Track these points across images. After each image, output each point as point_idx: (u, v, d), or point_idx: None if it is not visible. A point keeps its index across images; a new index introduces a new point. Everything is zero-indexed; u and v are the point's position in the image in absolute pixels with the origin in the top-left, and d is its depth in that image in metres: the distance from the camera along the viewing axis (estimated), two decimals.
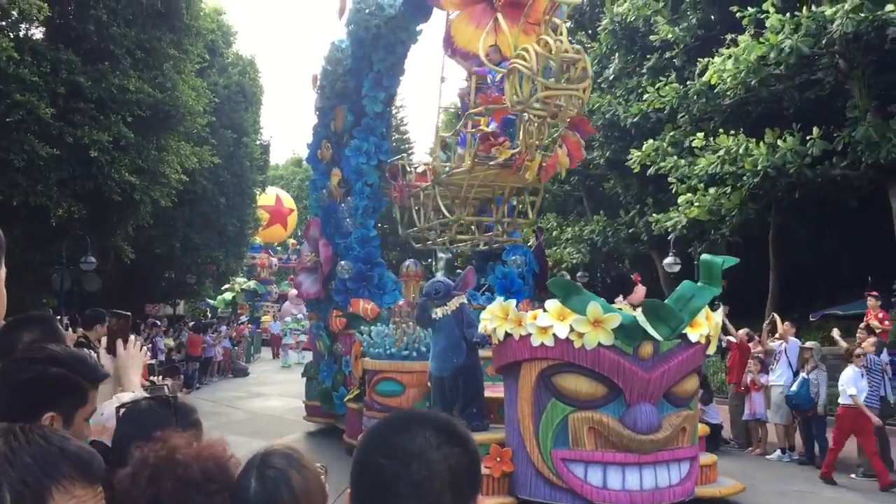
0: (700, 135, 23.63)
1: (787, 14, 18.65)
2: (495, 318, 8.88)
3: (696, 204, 24.05)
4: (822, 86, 21.76)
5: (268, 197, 37.90)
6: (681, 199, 24.45)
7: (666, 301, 8.45)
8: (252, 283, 36.02)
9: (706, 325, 8.48)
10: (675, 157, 24.17)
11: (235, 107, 28.45)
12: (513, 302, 8.84)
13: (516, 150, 10.42)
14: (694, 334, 8.36)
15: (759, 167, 22.26)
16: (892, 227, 23.09)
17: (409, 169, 13.52)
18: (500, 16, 10.50)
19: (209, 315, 34.77)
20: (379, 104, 13.68)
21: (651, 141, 23.92)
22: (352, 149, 13.75)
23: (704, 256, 8.50)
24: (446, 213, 12.12)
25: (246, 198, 29.98)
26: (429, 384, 10.45)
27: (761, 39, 18.91)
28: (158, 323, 24.64)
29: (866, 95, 21.45)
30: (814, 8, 19.01)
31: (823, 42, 18.85)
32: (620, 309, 8.43)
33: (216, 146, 25.52)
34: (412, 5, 12.65)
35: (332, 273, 13.51)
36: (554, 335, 8.38)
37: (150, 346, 18.88)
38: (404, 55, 13.77)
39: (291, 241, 40.60)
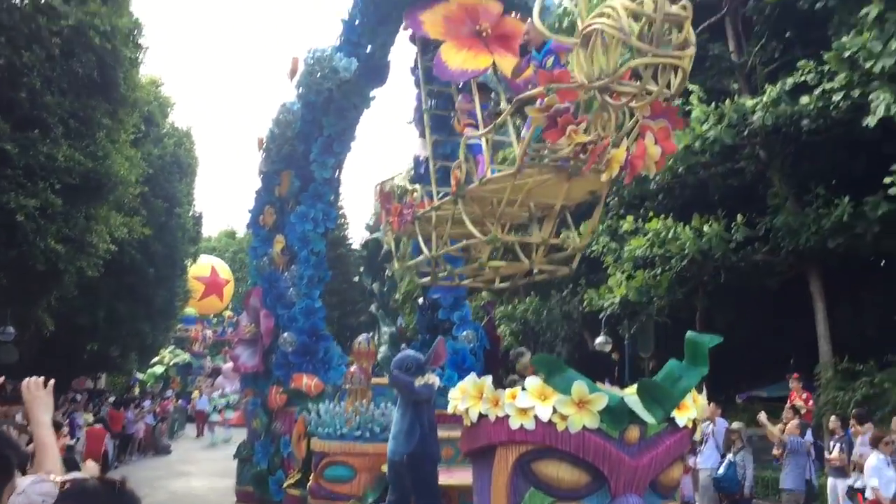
0: (630, 218, 23.46)
1: (712, 105, 18.85)
2: (468, 396, 7.70)
3: (628, 285, 23.99)
4: (745, 174, 21.82)
5: (203, 267, 36.19)
6: (612, 281, 24.33)
7: (655, 380, 7.40)
8: (185, 357, 33.98)
9: (693, 407, 7.45)
10: (608, 240, 23.87)
11: (169, 177, 27.31)
12: (488, 379, 7.65)
13: (594, 138, 7.07)
14: (682, 418, 7.34)
15: (686, 251, 22.31)
16: (812, 310, 23.03)
17: (409, 188, 10.27)
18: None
19: (138, 390, 32.65)
20: (328, 170, 12.60)
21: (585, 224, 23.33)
22: (297, 215, 12.59)
23: (690, 334, 7.49)
24: (476, 233, 8.65)
25: (176, 269, 28.53)
26: (384, 469, 9.17)
27: (686, 130, 18.77)
28: (78, 398, 22.68)
29: (785, 184, 21.79)
30: (736, 99, 19.32)
31: (745, 133, 19.12)
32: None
33: (148, 216, 24.22)
34: (368, 69, 11.70)
35: (274, 346, 12.16)
36: (535, 417, 7.21)
37: (67, 421, 17.07)
38: (356, 120, 12.77)
39: (227, 312, 38.71)
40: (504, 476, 7.43)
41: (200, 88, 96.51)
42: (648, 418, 6.94)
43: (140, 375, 34.11)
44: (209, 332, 35.74)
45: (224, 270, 37.80)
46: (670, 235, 20.85)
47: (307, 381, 11.62)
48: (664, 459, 7.47)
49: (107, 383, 31.50)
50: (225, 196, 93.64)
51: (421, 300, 13.98)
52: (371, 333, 13.78)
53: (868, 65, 15.74)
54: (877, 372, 20.72)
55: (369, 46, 11.75)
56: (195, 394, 29.15)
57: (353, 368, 10.06)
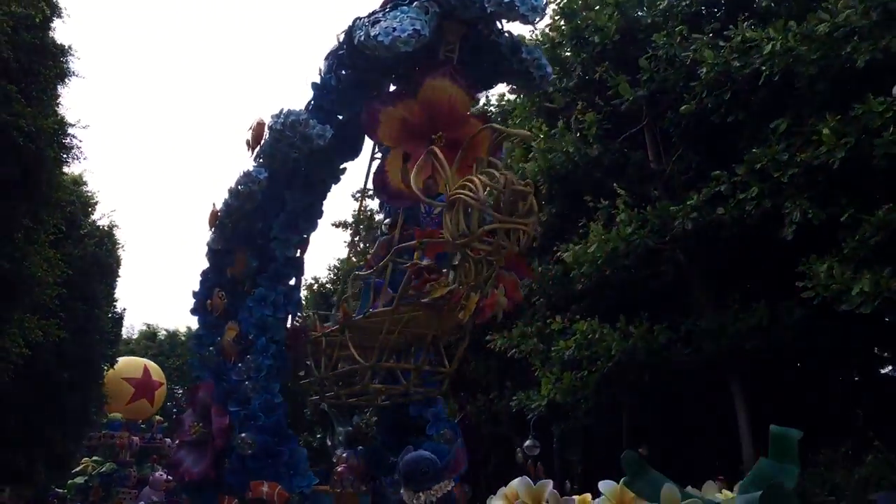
0: (558, 318, 22.42)
1: (635, 210, 18.44)
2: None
3: (556, 386, 22.80)
4: (666, 277, 21.23)
5: (133, 367, 32.50)
6: (543, 382, 23.06)
7: (743, 484, 5.48)
8: (110, 465, 29.94)
9: None
10: (536, 341, 22.62)
11: (89, 279, 24.43)
12: (549, 484, 5.61)
13: (452, 288, 8.17)
14: None
15: (612, 352, 21.47)
16: (735, 412, 22.25)
17: (301, 315, 10.98)
18: (437, 151, 7.91)
19: None
20: (291, 248, 10.58)
21: (518, 324, 22.40)
22: (255, 299, 10.44)
23: (776, 428, 5.61)
24: (359, 359, 9.25)
25: (93, 373, 25.34)
26: None
27: (611, 234, 18.39)
28: None
29: (704, 288, 21.35)
30: (657, 205, 18.92)
31: (667, 238, 18.64)
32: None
33: (65, 318, 21.33)
34: (341, 139, 9.84)
35: (227, 448, 9.74)
36: None
37: None
38: (324, 195, 10.85)
39: (157, 417, 34.78)
40: None
41: (129, 177, 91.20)
42: None
43: (60, 490, 29.99)
44: (136, 439, 31.69)
45: (157, 372, 33.98)
46: (597, 336, 19.83)
47: (267, 490, 9.22)
48: None
49: (11, 496, 27.44)
50: (148, 294, 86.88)
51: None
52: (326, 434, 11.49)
53: (777, 174, 15.63)
54: (801, 472, 19.72)
55: (342, 114, 9.91)
56: None
57: (340, 468, 7.86)
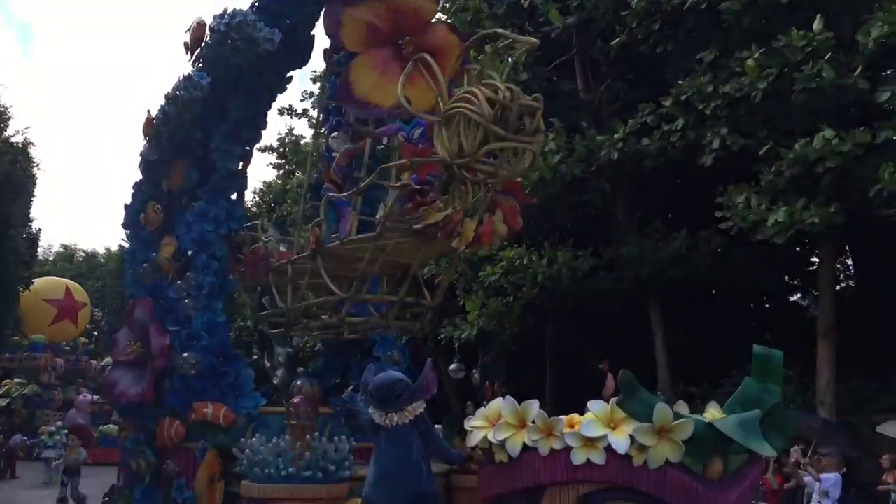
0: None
1: (564, 138, 18.70)
2: (504, 425, 5.48)
3: (482, 313, 23.03)
4: (592, 206, 21.51)
5: (54, 288, 31.02)
6: (469, 308, 23.22)
7: (730, 404, 5.47)
8: (33, 388, 28.68)
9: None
10: (463, 266, 22.65)
11: (2, 198, 23.17)
12: (535, 404, 5.47)
13: (448, 213, 7.09)
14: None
15: (537, 279, 21.77)
16: (652, 337, 22.95)
17: (264, 238, 9.61)
18: (429, 59, 7.19)
19: None
20: (234, 160, 9.97)
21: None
22: (195, 213, 9.87)
23: (759, 349, 5.69)
24: (335, 290, 8.16)
25: (7, 295, 24.12)
26: None
27: (538, 163, 18.49)
28: None
29: (628, 217, 21.48)
30: (586, 134, 19.22)
31: (593, 168, 18.97)
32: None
33: None
34: (288, 45, 9.26)
35: (168, 369, 9.28)
36: (606, 450, 5.11)
37: None
38: (269, 105, 10.25)
39: (83, 339, 33.36)
40: None
41: (46, 89, 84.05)
42: (767, 450, 5.00)
43: None
44: (60, 361, 30.35)
45: (79, 292, 32.44)
46: (523, 263, 20.27)
47: (212, 411, 8.85)
48: (748, 497, 5.60)
49: None
50: (69, 213, 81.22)
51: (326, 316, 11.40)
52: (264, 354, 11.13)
53: (701, 106, 15.80)
54: (711, 394, 20.79)
55: (291, 18, 9.30)
56: (44, 429, 24.34)
57: (296, 399, 7.53)
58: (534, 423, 5.44)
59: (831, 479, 10.08)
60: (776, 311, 25.57)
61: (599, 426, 5.25)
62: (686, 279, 21.08)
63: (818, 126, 14.67)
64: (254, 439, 7.51)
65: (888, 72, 14.57)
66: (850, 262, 24.70)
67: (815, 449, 11.00)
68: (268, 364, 11.10)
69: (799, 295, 25.13)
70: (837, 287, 22.69)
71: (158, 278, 10.10)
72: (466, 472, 8.26)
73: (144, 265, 10.28)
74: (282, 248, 9.48)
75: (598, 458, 5.21)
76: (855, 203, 14.90)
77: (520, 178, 7.62)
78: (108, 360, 21.13)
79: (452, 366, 23.45)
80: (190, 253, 9.97)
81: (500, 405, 5.74)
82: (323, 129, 10.16)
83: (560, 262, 22.03)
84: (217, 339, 9.38)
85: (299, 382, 8.23)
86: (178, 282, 9.82)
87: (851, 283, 24.95)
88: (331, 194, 8.47)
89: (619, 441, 5.17)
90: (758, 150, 15.75)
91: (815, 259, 22.39)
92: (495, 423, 5.66)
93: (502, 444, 5.54)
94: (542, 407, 5.84)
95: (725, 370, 21.38)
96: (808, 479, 10.25)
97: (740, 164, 16.95)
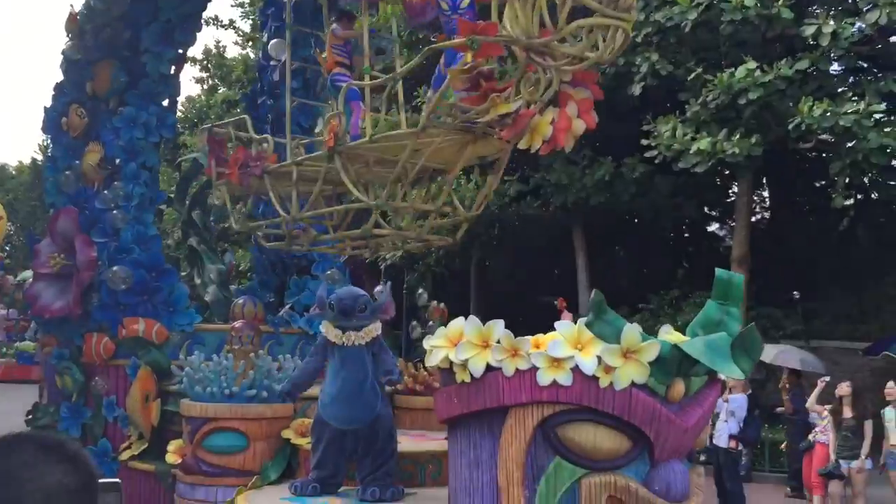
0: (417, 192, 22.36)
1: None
2: (467, 345, 5.34)
3: None
4: None
5: None
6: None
7: (692, 327, 5.47)
8: None
9: None
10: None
11: None
12: (498, 323, 5.34)
13: (520, 105, 5.90)
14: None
15: (464, 203, 21.68)
16: (575, 262, 23.42)
17: (254, 136, 8.05)
18: None
19: None
20: (166, 64, 9.37)
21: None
22: (123, 119, 9.30)
23: (721, 272, 5.65)
24: (362, 197, 6.86)
25: None
26: (285, 435, 6.65)
27: None
28: None
29: None
30: None
31: None
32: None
33: None
34: None
35: (95, 283, 8.83)
36: (573, 370, 5.04)
37: None
38: (203, 5, 9.65)
39: None
40: (519, 445, 5.26)
41: None
42: (735, 373, 5.02)
43: None
44: None
45: None
46: (452, 187, 19.97)
47: (144, 328, 8.48)
48: (706, 419, 5.67)
49: None
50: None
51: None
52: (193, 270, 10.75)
53: (633, 34, 16.02)
54: (630, 318, 21.36)
55: None
56: None
57: (238, 323, 7.23)
58: (499, 342, 5.30)
59: (738, 399, 10.47)
60: (694, 241, 26.28)
61: (567, 347, 5.15)
62: (610, 206, 21.54)
63: (744, 58, 14.88)
64: (193, 357, 7.20)
65: (814, 7, 14.84)
66: (766, 194, 25.45)
67: None
68: (198, 281, 10.71)
69: (717, 225, 25.81)
70: (753, 219, 23.45)
71: (82, 187, 9.51)
72: (409, 393, 8.19)
73: (67, 173, 9.66)
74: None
75: (564, 378, 5.12)
76: (775, 135, 15.28)
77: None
78: (25, 274, 20.22)
79: (377, 287, 23.27)
80: (118, 161, 9.39)
81: (461, 324, 5.58)
82: (262, 35, 9.63)
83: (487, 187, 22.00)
84: (148, 252, 8.92)
85: (241, 301, 7.87)
86: (105, 191, 9.27)
87: (766, 215, 25.73)
88: (351, 81, 7.06)
89: (587, 362, 5.09)
90: (685, 79, 15.92)
91: (733, 190, 23.01)
92: (457, 342, 5.51)
93: (465, 363, 5.40)
94: None
95: (644, 295, 22.06)
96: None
97: (667, 95, 17.10)
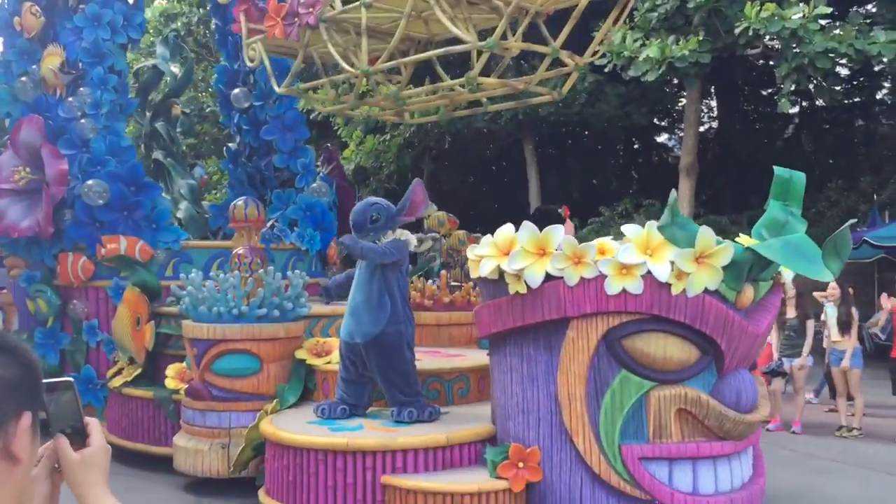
0: (364, 81, 21.46)
1: None
2: (521, 253, 4.86)
3: (360, 149, 22.45)
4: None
5: None
6: (348, 138, 22.63)
7: (757, 229, 5.07)
8: None
9: None
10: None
11: None
12: (559, 229, 4.86)
13: None
14: (787, 274, 5.14)
15: (415, 116, 21.15)
16: (526, 175, 23.19)
17: None
18: None
19: None
20: None
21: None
22: (85, 18, 8.35)
23: (781, 170, 5.23)
24: (464, 37, 5.85)
25: None
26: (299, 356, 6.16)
27: None
28: None
29: None
30: None
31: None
32: None
33: None
34: None
35: (68, 198, 8.00)
36: (644, 277, 4.63)
37: None
38: None
39: None
40: (582, 358, 4.87)
41: None
42: (825, 275, 4.65)
43: None
44: None
45: None
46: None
47: (126, 246, 7.75)
48: (771, 327, 5.37)
49: None
50: None
51: (234, 144, 10.24)
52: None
53: None
54: (580, 229, 21.68)
55: None
56: None
57: (242, 249, 6.57)
58: (560, 249, 4.83)
59: None
60: (644, 151, 26.14)
61: (638, 252, 4.71)
62: (560, 117, 21.19)
63: None
64: (193, 275, 6.54)
65: None
66: (714, 104, 25.32)
67: None
68: (167, 197, 9.91)
69: (666, 136, 25.67)
70: (701, 128, 23.35)
71: (42, 95, 8.55)
72: (417, 309, 7.70)
73: (23, 79, 8.65)
74: None
75: (634, 286, 4.70)
76: (723, 42, 15.11)
77: None
78: None
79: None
80: (81, 65, 8.44)
81: (511, 231, 5.08)
82: None
83: (437, 97, 21.59)
84: (129, 165, 8.10)
85: (241, 202, 7.11)
86: (70, 99, 8.34)
87: (714, 124, 25.67)
88: None
89: (660, 268, 4.67)
90: None
91: (682, 101, 22.83)
92: (507, 251, 5.01)
93: (519, 273, 4.92)
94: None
95: (595, 206, 21.95)
96: None
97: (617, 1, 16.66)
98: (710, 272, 4.71)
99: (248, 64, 7.22)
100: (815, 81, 17.32)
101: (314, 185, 9.17)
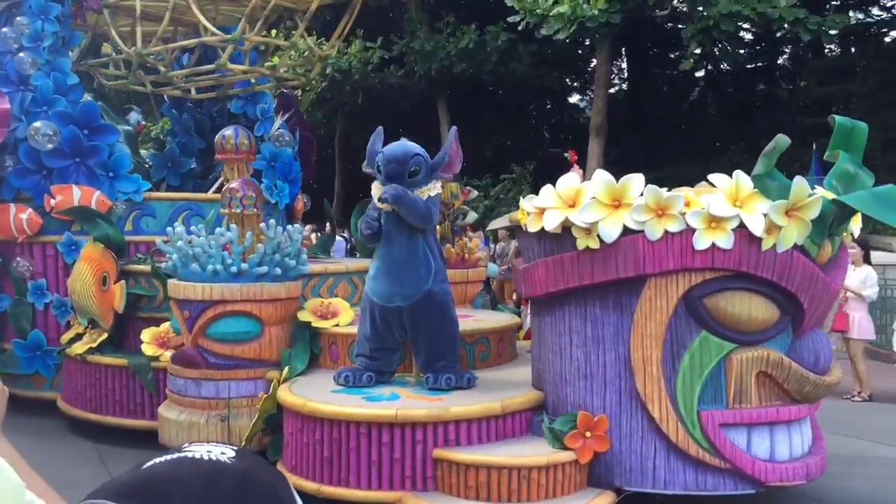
0: (274, 32, 20.69)
1: None
2: (594, 204, 4.30)
3: None
4: None
5: None
6: None
7: (828, 181, 4.67)
8: None
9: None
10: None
11: None
12: (638, 178, 4.30)
13: None
14: (855, 227, 4.82)
15: (327, 71, 20.71)
16: (440, 133, 22.78)
17: None
18: None
19: None
20: None
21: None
22: None
23: (842, 119, 4.83)
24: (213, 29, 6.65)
25: None
26: (303, 317, 5.44)
27: None
28: None
29: (421, 10, 21.04)
30: None
31: None
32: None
33: None
34: None
35: (9, 142, 6.83)
36: (735, 231, 4.16)
37: None
38: None
39: None
40: (660, 318, 4.37)
41: None
42: None
43: None
44: None
45: None
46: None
47: (81, 196, 6.69)
48: (840, 284, 5.02)
49: None
50: None
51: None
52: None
53: None
54: (492, 187, 21.66)
55: None
56: None
57: (235, 184, 5.68)
58: (641, 200, 4.26)
59: None
60: (556, 111, 25.89)
61: (729, 204, 4.21)
62: (474, 75, 20.97)
63: None
64: (178, 228, 5.63)
65: None
66: (624, 65, 25.30)
67: None
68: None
69: (577, 97, 25.52)
70: (612, 90, 23.30)
71: None
72: None
73: None
74: None
75: (724, 241, 4.21)
76: (633, 3, 15.18)
77: None
78: None
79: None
80: None
81: (576, 181, 4.48)
82: None
83: (351, 54, 21.10)
84: (84, 105, 6.97)
85: (229, 131, 6.14)
86: (4, 29, 7.10)
87: (625, 86, 25.67)
88: None
89: (754, 220, 4.19)
90: None
91: (593, 61, 22.75)
92: (573, 202, 4.42)
93: (591, 227, 4.34)
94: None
95: (506, 165, 21.75)
96: None
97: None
98: (800, 226, 4.27)
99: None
100: (719, 45, 17.53)
101: (276, 132, 8.23)
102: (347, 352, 5.58)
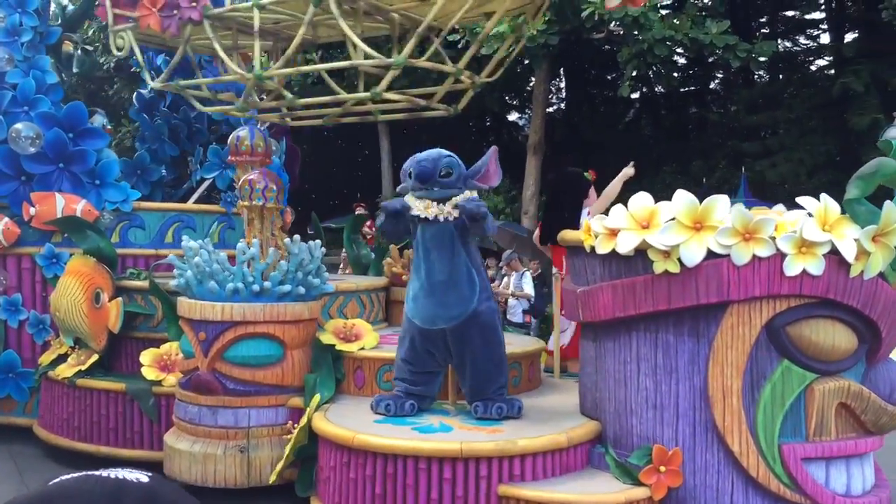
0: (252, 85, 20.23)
1: None
2: (675, 226, 3.95)
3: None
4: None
5: None
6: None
7: (857, 185, 4.37)
8: None
9: None
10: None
11: None
12: (723, 200, 3.96)
13: None
14: None
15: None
16: (378, 147, 22.42)
17: None
18: None
19: None
20: None
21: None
22: None
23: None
24: (370, 51, 5.24)
25: None
26: (324, 339, 4.93)
27: None
28: None
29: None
30: None
31: None
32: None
33: None
34: None
35: None
36: (827, 257, 3.87)
37: None
38: None
39: None
40: (742, 347, 4.05)
41: None
42: None
43: None
44: None
45: None
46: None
47: (64, 205, 5.96)
48: None
49: None
50: None
51: (146, 90, 8.32)
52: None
53: None
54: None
55: None
56: None
57: (254, 175, 5.10)
58: (728, 223, 3.91)
59: (524, 275, 10.67)
60: (495, 129, 25.65)
61: (820, 228, 3.89)
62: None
63: None
64: (190, 242, 5.00)
65: None
66: (563, 85, 25.26)
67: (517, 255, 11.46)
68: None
69: (517, 115, 25.36)
70: (550, 109, 23.22)
71: None
72: (397, 284, 6.52)
73: None
74: None
75: (815, 267, 3.89)
76: (570, 24, 15.12)
77: None
78: None
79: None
80: None
81: (649, 201, 4.11)
82: None
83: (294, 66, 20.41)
84: (70, 107, 6.21)
85: (243, 131, 5.51)
86: None
87: (563, 106, 25.64)
88: None
89: (847, 246, 3.89)
90: None
91: (532, 80, 22.65)
92: (647, 223, 4.04)
93: (671, 251, 3.96)
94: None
95: None
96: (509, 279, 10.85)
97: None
98: (886, 252, 4.01)
99: (116, 53, 5.89)
100: (654, 68, 17.66)
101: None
102: (375, 377, 5.05)
